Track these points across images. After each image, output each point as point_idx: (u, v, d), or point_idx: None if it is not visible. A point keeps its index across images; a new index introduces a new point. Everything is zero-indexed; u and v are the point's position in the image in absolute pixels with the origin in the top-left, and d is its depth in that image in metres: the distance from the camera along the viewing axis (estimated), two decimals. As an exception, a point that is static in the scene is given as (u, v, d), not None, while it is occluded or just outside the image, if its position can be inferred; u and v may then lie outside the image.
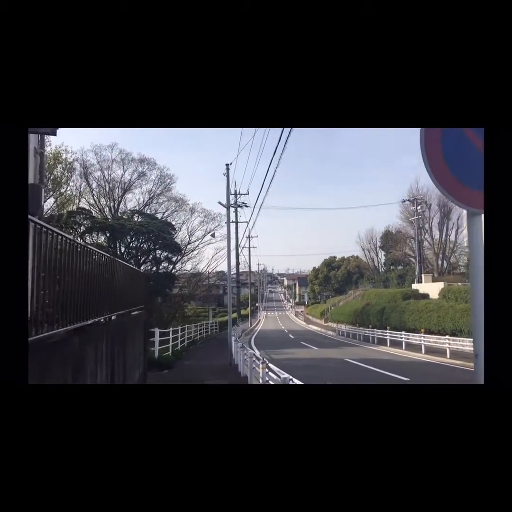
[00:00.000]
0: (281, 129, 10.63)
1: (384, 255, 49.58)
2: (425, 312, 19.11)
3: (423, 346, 15.42)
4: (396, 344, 17.84)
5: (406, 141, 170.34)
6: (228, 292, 14.74)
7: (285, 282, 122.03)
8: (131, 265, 7.77)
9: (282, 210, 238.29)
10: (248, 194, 19.15)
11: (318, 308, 52.27)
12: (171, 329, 14.06)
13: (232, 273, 24.30)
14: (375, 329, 20.59)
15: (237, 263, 29.91)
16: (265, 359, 6.90)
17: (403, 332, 17.25)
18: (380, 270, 49.75)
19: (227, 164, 14.11)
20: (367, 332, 21.49)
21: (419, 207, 32.52)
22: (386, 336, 18.60)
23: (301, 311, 62.82)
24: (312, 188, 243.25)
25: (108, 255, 5.92)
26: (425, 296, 24.84)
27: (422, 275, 30.80)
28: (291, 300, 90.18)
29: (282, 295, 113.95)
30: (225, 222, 28.47)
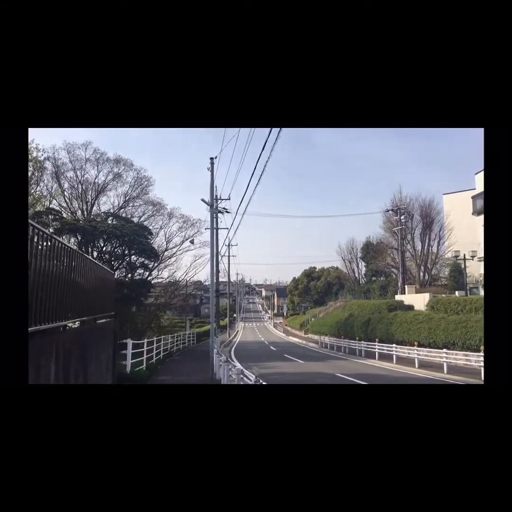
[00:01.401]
0: (266, 136, 9.68)
1: (365, 265, 49.25)
2: (414, 324, 18.30)
3: (416, 360, 14.50)
4: (385, 357, 16.92)
5: (391, 152, 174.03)
6: (211, 299, 13.51)
7: (263, 293, 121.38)
8: (97, 263, 6.47)
9: (262, 219, 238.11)
10: (229, 199, 18.29)
11: (298, 319, 51.46)
12: (145, 340, 12.66)
13: (211, 282, 23.27)
14: (362, 341, 19.62)
15: (217, 271, 28.68)
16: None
17: (393, 345, 16.32)
18: (361, 281, 49.35)
19: (211, 158, 13.01)
20: (353, 344, 20.51)
21: (402, 217, 32.15)
22: (375, 348, 17.66)
23: (280, 322, 61.84)
24: (294, 198, 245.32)
25: (66, 244, 4.64)
26: (410, 307, 24.29)
27: (405, 286, 30.35)
28: (269, 311, 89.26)
29: (260, 306, 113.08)
30: (205, 228, 27.49)
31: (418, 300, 24.50)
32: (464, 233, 30.74)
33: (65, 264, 4.41)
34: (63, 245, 4.39)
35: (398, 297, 29.23)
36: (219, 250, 25.91)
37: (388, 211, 35.54)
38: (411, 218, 35.89)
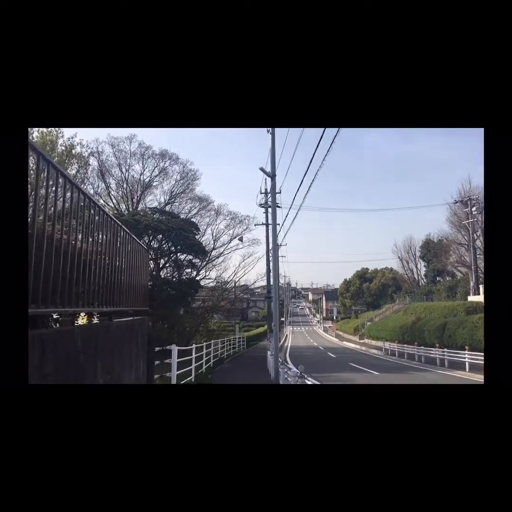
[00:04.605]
0: (321, 133, 7.88)
1: (424, 265, 45.39)
2: None
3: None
4: (478, 368, 14.05)
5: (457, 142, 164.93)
6: (274, 297, 11.39)
7: (310, 297, 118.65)
8: (125, 228, 4.55)
9: (309, 221, 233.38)
10: (280, 193, 16.16)
11: (351, 323, 48.46)
12: (194, 345, 10.80)
13: (267, 283, 20.90)
14: (445, 349, 16.72)
15: (268, 271, 26.68)
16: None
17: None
18: (420, 282, 45.52)
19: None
20: (431, 352, 17.63)
21: (474, 209, 28.57)
22: (464, 358, 14.79)
23: (330, 326, 58.98)
24: (341, 200, 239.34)
25: (69, 177, 2.83)
26: (492, 309, 21.07)
27: (480, 286, 26.88)
28: (317, 315, 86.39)
29: (307, 309, 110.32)
30: (255, 224, 25.49)
31: (501, 301, 21.27)
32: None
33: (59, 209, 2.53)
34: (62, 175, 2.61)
35: (471, 298, 25.93)
36: (269, 248, 23.89)
37: (456, 202, 31.93)
38: (481, 211, 32.07)
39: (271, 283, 18.76)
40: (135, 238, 4.56)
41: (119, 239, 4.20)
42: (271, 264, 20.25)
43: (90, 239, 3.29)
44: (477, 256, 32.09)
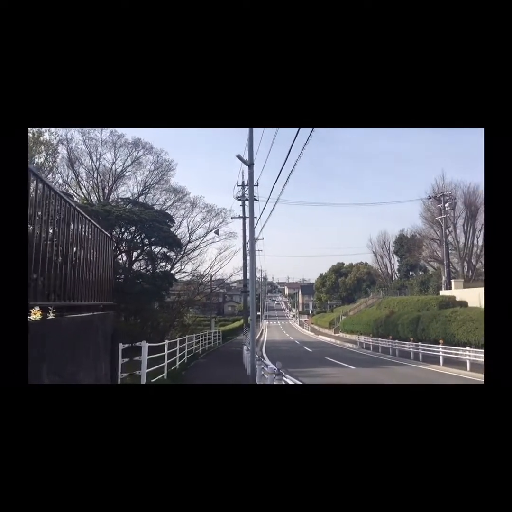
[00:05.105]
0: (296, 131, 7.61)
1: (398, 260, 46.10)
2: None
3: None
4: (451, 362, 14.20)
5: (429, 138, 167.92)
6: (251, 290, 11.09)
7: (287, 291, 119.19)
8: (88, 217, 4.09)
9: (285, 217, 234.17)
10: (257, 185, 15.91)
11: (326, 318, 48.86)
12: (166, 341, 10.38)
13: (243, 277, 20.62)
14: (419, 343, 16.85)
15: (244, 265, 26.38)
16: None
17: (467, 349, 13.54)
18: (393, 277, 46.24)
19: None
20: (405, 346, 17.77)
21: (447, 205, 29.05)
22: (437, 351, 14.92)
23: (306, 320, 59.33)
24: (316, 196, 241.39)
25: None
26: (463, 303, 21.49)
27: (451, 281, 27.41)
28: (293, 309, 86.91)
29: (283, 304, 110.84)
30: (231, 217, 25.06)
31: (472, 296, 21.69)
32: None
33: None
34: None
35: (444, 292, 26.41)
36: (246, 241, 23.56)
37: (429, 198, 32.38)
38: (453, 207, 32.65)
39: (248, 277, 18.49)
40: (95, 224, 4.12)
41: (73, 224, 3.73)
42: (248, 257, 19.98)
43: (34, 223, 2.87)
44: (449, 251, 32.71)
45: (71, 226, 3.55)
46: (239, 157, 9.04)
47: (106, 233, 5.07)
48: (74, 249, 3.60)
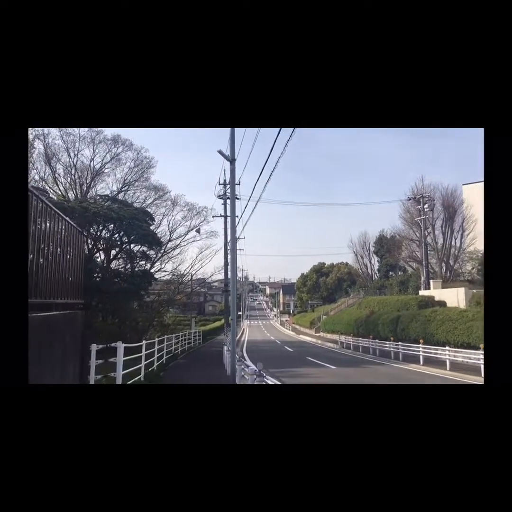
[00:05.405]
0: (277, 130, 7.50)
1: (378, 260, 46.61)
2: (462, 323, 15.61)
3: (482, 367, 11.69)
4: (431, 362, 14.32)
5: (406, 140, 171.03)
6: (232, 290, 10.88)
7: (268, 291, 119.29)
8: (53, 207, 3.82)
9: (266, 216, 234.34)
10: (239, 184, 15.76)
11: (307, 317, 49.03)
12: (144, 342, 10.08)
13: (225, 277, 20.15)
14: (399, 343, 16.95)
15: (226, 264, 26.14)
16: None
17: (447, 348, 13.66)
18: (374, 277, 46.73)
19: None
20: (386, 345, 17.87)
21: (425, 206, 29.46)
22: (417, 351, 15.02)
23: (287, 320, 59.42)
24: (297, 197, 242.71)
25: None
26: (442, 303, 21.81)
27: (430, 281, 27.80)
28: (274, 309, 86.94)
29: (264, 303, 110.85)
30: (213, 216, 24.76)
31: (450, 296, 22.04)
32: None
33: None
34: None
35: (422, 292, 26.76)
36: (227, 241, 23.33)
37: (409, 199, 32.80)
38: (432, 209, 33.16)
39: (229, 276, 18.26)
40: (63, 215, 3.85)
41: (34, 214, 3.43)
42: (229, 256, 19.77)
43: None
44: (428, 252, 33.19)
45: (32, 214, 3.28)
46: (220, 152, 8.83)
47: (76, 225, 4.79)
48: (36, 242, 3.33)
